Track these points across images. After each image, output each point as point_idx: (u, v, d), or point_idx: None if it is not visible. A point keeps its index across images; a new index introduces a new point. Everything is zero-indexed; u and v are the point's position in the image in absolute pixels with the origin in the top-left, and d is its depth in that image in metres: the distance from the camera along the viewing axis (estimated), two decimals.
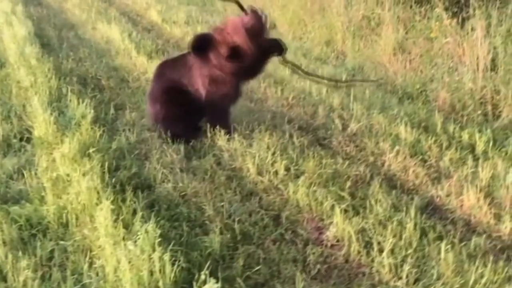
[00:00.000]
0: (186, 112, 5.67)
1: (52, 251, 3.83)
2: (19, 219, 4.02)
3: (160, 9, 11.95)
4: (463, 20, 7.36)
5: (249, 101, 6.81)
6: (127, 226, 3.82)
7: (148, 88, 5.92)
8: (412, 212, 4.13)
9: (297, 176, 4.86)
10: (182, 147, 5.38)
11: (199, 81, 5.60)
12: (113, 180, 4.49)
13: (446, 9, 7.54)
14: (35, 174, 4.69)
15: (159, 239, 3.59)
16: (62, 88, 6.49)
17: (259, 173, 4.96)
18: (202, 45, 5.61)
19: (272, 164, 5.01)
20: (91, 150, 4.83)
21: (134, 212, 4.02)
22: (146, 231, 3.60)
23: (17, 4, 11.60)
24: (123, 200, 4.12)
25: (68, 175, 4.50)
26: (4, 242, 3.81)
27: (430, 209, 4.46)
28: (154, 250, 3.48)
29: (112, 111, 6.21)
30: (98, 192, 4.16)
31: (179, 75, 5.64)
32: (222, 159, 5.29)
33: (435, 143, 5.32)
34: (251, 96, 7.01)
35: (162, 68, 5.81)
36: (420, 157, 5.18)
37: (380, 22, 8.68)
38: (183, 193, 4.63)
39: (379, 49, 8.13)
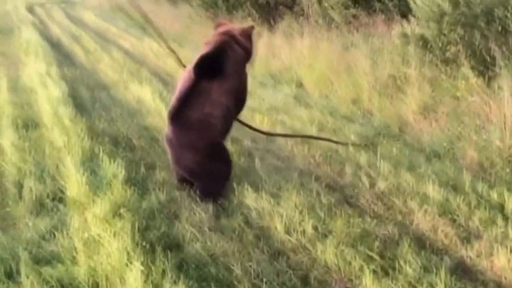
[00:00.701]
0: (227, 168, 5.81)
1: None
2: (50, 280, 4.07)
3: None
4: (490, 78, 7.39)
5: (276, 159, 6.87)
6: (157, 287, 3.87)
7: (174, 132, 5.74)
8: (443, 273, 4.11)
9: (325, 236, 4.88)
10: (210, 206, 5.44)
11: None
12: (143, 240, 4.55)
13: (472, 68, 7.59)
14: (67, 234, 4.76)
15: None
16: (94, 148, 6.61)
17: (287, 232, 4.98)
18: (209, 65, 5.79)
19: (300, 223, 5.04)
20: (122, 210, 4.91)
21: (164, 272, 4.07)
22: None
23: (51, 65, 11.88)
24: (153, 261, 4.17)
25: (99, 235, 4.57)
26: None
27: (461, 270, 4.41)
28: None
29: (143, 170, 6.30)
30: (128, 253, 4.22)
31: (202, 107, 5.65)
32: (250, 217, 5.33)
33: (463, 202, 5.30)
34: (278, 154, 7.07)
35: (182, 111, 5.69)
36: (449, 216, 5.16)
37: (407, 81, 8.74)
38: (211, 253, 4.66)
39: (406, 107, 8.16)
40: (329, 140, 7.16)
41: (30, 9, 28.07)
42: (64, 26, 21.56)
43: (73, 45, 16.16)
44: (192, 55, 13.71)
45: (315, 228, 4.98)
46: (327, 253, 4.56)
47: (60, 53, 14.84)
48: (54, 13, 27.01)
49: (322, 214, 5.18)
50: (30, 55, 13.30)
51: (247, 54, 6.09)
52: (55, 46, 16.02)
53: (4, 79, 10.68)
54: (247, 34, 6.10)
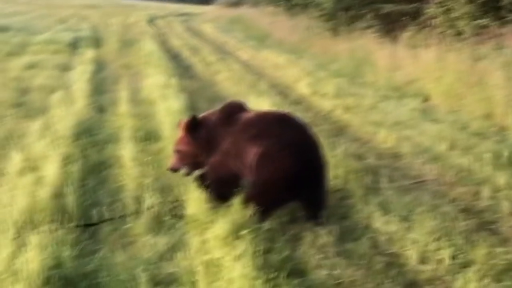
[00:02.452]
0: None
1: None
2: None
3: (309, 81, 11.89)
4: None
5: (405, 178, 6.44)
6: None
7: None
8: None
9: (465, 266, 4.45)
10: (335, 228, 5.08)
11: None
12: (266, 265, 4.26)
13: None
14: (187, 255, 4.54)
15: None
16: None
17: (421, 261, 4.58)
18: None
19: (436, 251, 4.61)
20: (243, 231, 4.64)
21: None
22: None
23: (171, 77, 11.93)
24: None
25: (220, 258, 4.32)
26: None
27: None
28: None
29: None
30: (251, 280, 3.92)
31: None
32: (378, 242, 4.96)
33: None
34: (406, 173, 6.64)
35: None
36: None
37: None
38: (338, 281, 4.32)
39: None
40: None
41: (152, 22, 28.89)
42: (183, 38, 21.94)
43: (192, 57, 16.31)
44: (310, 66, 13.53)
45: (453, 257, 4.54)
46: (469, 287, 4.11)
47: (180, 65, 15.00)
48: (174, 25, 27.64)
49: (460, 242, 4.72)
50: (150, 67, 13.48)
51: None
52: (174, 58, 16.25)
53: (125, 91, 10.79)
54: None
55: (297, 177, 5.08)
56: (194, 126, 5.56)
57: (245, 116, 5.54)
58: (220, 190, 5.37)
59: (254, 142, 5.22)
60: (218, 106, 5.84)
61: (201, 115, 5.80)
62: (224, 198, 5.30)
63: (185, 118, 5.78)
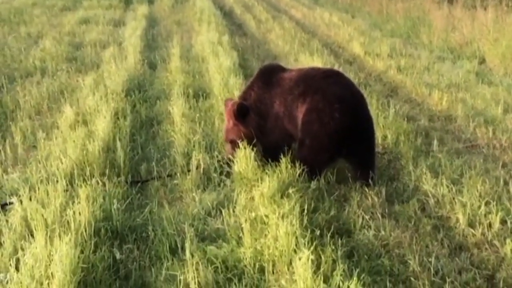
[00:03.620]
0: None
1: None
2: (215, 260, 3.87)
3: (363, 41, 11.70)
4: None
5: (457, 141, 6.32)
6: (326, 280, 3.54)
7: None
8: None
9: None
10: (383, 190, 5.04)
11: None
12: (312, 224, 4.26)
13: None
14: (233, 212, 4.56)
15: None
16: None
17: (470, 225, 4.50)
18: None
19: (486, 215, 4.53)
20: (290, 190, 4.63)
21: (334, 262, 3.73)
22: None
23: (223, 34, 11.89)
24: (322, 248, 3.85)
25: (266, 216, 4.32)
26: (199, 285, 3.68)
27: None
28: None
29: None
30: (296, 238, 3.92)
31: None
32: (427, 205, 4.90)
33: None
34: (458, 136, 6.52)
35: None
36: None
37: None
38: (384, 243, 4.29)
39: None
40: None
41: None
42: None
43: (245, 15, 16.20)
44: (364, 25, 13.30)
45: (503, 222, 4.47)
46: None
47: (232, 22, 14.94)
48: None
49: (510, 207, 4.61)
50: (203, 24, 13.44)
51: None
52: (227, 15, 16.18)
53: (177, 47, 10.81)
54: None
55: (344, 132, 5.04)
56: (243, 113, 5.46)
57: (288, 75, 5.47)
58: (275, 154, 5.34)
59: (301, 100, 5.18)
60: (252, 77, 5.78)
61: (240, 93, 5.74)
62: (276, 160, 5.28)
63: (230, 100, 5.69)
